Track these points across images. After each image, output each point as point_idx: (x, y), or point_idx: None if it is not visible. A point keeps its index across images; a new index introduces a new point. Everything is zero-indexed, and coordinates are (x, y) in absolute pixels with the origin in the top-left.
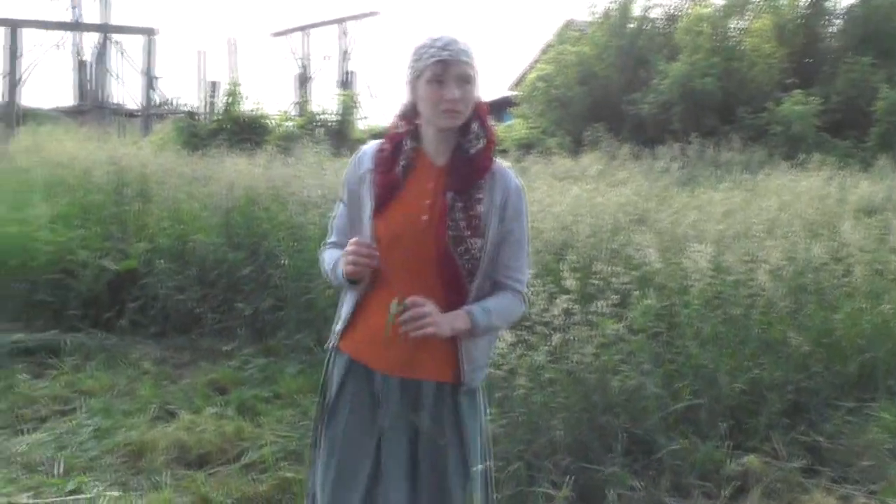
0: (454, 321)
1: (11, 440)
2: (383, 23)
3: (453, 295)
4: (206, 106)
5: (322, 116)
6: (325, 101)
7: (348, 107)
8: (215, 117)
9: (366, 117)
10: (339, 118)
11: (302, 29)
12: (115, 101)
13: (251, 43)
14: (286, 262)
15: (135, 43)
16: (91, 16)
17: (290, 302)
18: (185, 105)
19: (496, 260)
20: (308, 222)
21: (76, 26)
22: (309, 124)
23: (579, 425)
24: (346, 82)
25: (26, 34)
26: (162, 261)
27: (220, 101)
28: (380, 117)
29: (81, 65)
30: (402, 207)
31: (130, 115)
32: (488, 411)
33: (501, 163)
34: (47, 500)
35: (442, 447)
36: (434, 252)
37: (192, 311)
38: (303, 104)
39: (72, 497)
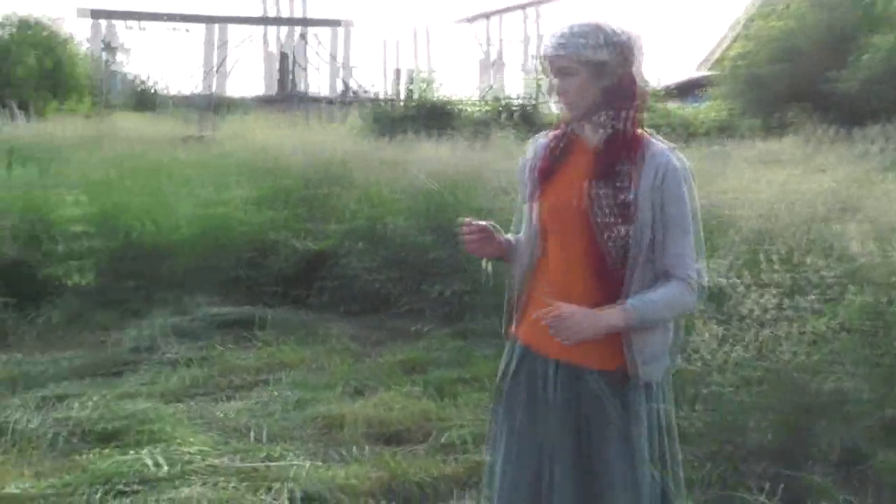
0: (607, 319)
1: (215, 406)
2: (571, 6)
3: (605, 284)
4: (394, 93)
5: (510, 101)
6: (514, 87)
7: (537, 91)
8: (405, 104)
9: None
10: (528, 103)
11: (487, 15)
12: (307, 89)
13: (437, 30)
14: None
15: (327, 33)
16: (286, 9)
17: (481, 286)
18: (375, 93)
19: (659, 247)
20: (497, 208)
21: (273, 20)
22: (498, 110)
23: (781, 428)
24: (528, 66)
25: (229, 29)
26: (359, 243)
27: (408, 88)
28: None
29: (276, 56)
30: (557, 192)
31: (322, 102)
32: (665, 404)
33: (660, 143)
34: (249, 465)
35: (608, 439)
36: (582, 239)
37: (383, 292)
38: (491, 90)
39: (273, 464)
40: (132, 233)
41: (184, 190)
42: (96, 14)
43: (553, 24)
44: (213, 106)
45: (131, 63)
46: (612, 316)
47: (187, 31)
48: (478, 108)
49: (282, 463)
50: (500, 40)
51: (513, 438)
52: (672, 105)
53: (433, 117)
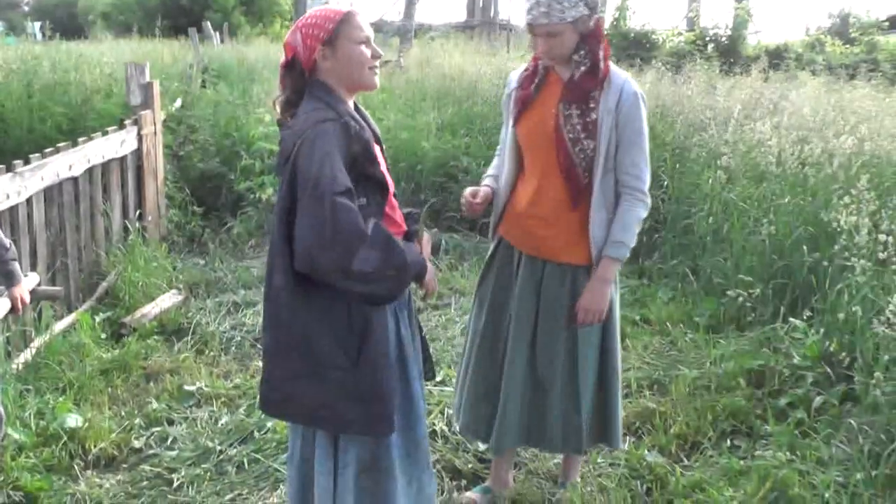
0: (605, 280)
1: None
2: None
3: (573, 187)
4: None
5: (714, 32)
6: (718, 16)
7: (742, 21)
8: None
9: (758, 31)
10: (731, 34)
11: None
12: (503, 17)
13: None
14: (667, 183)
15: None
16: None
17: (668, 225)
18: None
19: (616, 159)
20: (694, 144)
21: None
22: (699, 40)
23: None
24: None
25: None
26: None
27: (609, 16)
28: (773, 33)
29: None
30: (534, 116)
31: (518, 30)
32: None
33: (620, 73)
34: None
35: (557, 317)
36: (556, 152)
37: None
38: (693, 19)
39: (437, 388)
40: None
41: (375, 114)
42: None
43: None
44: (410, 32)
45: None
46: (606, 275)
47: None
48: (679, 38)
49: (448, 388)
50: None
51: (486, 309)
52: (883, 38)
53: (631, 47)
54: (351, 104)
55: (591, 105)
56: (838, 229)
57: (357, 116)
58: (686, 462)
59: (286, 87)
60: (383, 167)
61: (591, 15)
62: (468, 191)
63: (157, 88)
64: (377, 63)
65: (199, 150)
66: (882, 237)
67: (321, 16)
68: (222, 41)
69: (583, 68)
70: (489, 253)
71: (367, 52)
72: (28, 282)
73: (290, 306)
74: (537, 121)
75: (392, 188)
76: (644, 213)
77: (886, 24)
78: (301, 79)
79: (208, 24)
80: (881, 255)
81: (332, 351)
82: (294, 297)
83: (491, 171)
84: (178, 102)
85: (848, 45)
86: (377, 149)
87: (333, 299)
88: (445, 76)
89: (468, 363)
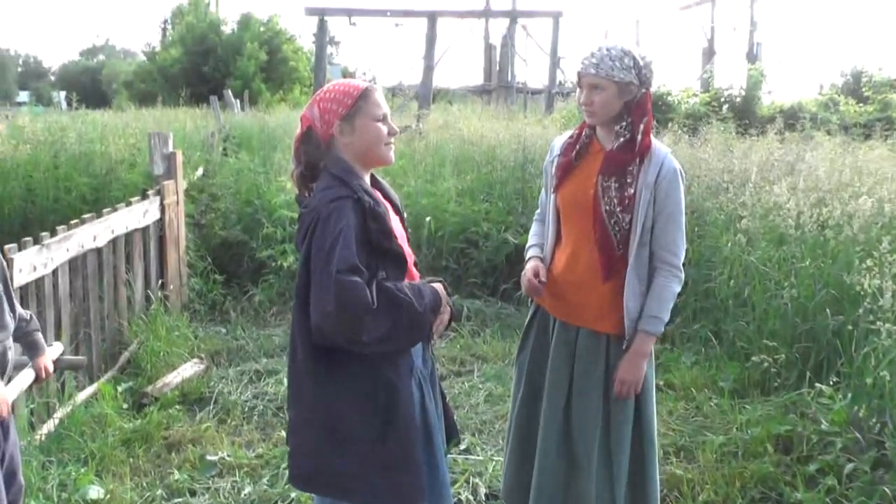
0: (641, 355)
1: None
2: None
3: (606, 257)
4: None
5: (728, 92)
6: (731, 76)
7: (756, 82)
8: None
9: (771, 91)
10: (745, 94)
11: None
12: (519, 80)
13: (658, 19)
14: (687, 247)
15: (541, 25)
16: (501, 2)
17: (689, 288)
18: None
19: (653, 233)
20: (713, 207)
21: (486, 13)
22: (714, 101)
23: None
24: (751, 54)
25: (442, 23)
26: None
27: None
28: (787, 92)
29: (489, 48)
30: (574, 184)
31: (534, 93)
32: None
33: (661, 148)
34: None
35: (590, 387)
36: (592, 222)
37: None
38: (707, 80)
39: (462, 456)
40: None
41: (395, 181)
42: (312, 11)
43: (775, 6)
44: (429, 97)
45: (345, 56)
46: (642, 349)
47: (397, 25)
48: (694, 99)
49: (474, 457)
50: (712, 28)
51: (524, 376)
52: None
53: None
54: (367, 178)
55: (629, 179)
56: (862, 292)
57: (371, 191)
58: None
59: (301, 159)
60: (402, 239)
61: (640, 87)
62: (530, 272)
63: (179, 158)
64: (393, 139)
65: (220, 217)
66: None
67: (340, 91)
68: (243, 108)
69: (622, 139)
70: (527, 320)
71: (384, 129)
72: (52, 351)
73: (313, 381)
74: (576, 189)
75: (412, 259)
76: (678, 288)
77: None
78: (317, 152)
79: (229, 91)
80: None
81: (358, 424)
82: (317, 372)
83: (534, 239)
84: (200, 171)
85: (861, 104)
86: (396, 219)
87: (357, 373)
88: (464, 141)
89: (509, 430)
